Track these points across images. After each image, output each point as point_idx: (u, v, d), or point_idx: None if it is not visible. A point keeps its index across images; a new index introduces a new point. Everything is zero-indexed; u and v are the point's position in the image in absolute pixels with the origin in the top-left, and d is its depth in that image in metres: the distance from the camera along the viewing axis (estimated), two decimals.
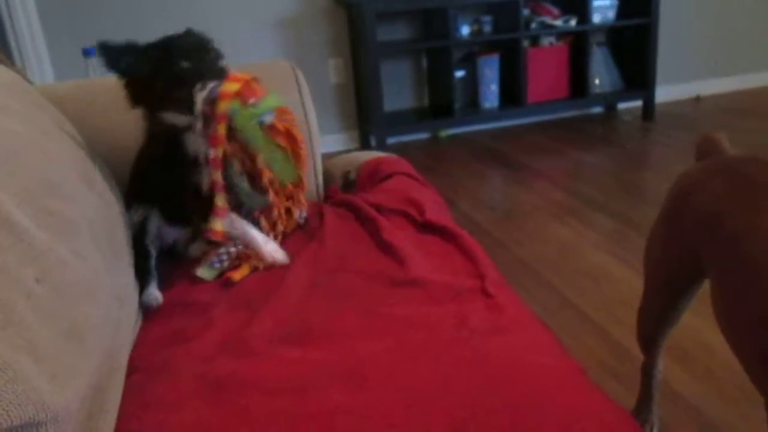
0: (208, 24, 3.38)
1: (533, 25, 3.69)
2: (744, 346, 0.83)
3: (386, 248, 1.15)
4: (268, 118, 1.11)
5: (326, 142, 3.63)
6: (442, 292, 0.99)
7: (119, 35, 3.26)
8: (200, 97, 1.06)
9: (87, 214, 0.98)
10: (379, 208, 1.28)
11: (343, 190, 1.53)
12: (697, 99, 4.31)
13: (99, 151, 1.26)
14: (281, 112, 1.14)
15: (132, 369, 0.92)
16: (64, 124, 1.21)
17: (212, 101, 1.06)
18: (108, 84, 1.53)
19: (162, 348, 0.97)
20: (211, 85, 1.06)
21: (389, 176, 1.45)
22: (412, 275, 1.04)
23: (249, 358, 0.90)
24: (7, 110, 1.00)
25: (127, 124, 1.41)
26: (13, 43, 2.89)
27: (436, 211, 1.29)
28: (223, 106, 1.05)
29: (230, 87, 1.05)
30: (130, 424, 0.79)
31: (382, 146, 3.41)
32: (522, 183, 3.03)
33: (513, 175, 3.16)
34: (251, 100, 1.06)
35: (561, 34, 3.83)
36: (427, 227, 1.23)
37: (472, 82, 3.77)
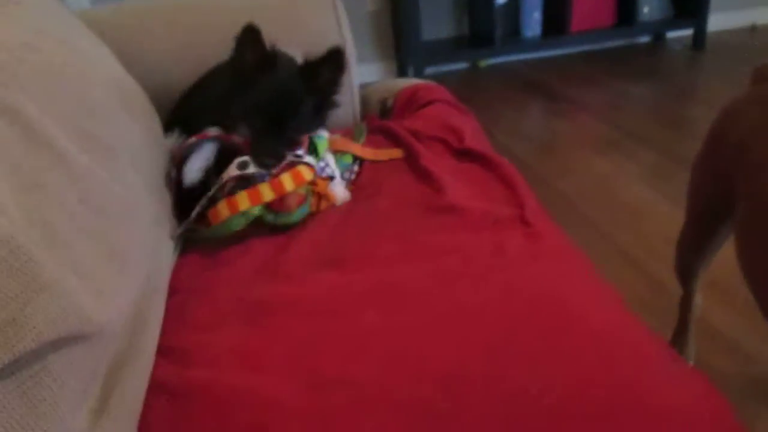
0: None
1: None
2: (763, 285, 0.82)
3: (423, 175, 1.13)
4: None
5: (362, 71, 3.55)
6: (479, 219, 0.98)
7: None
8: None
9: (125, 139, 0.99)
10: (416, 135, 1.26)
11: (381, 117, 1.51)
12: (753, 28, 4.07)
13: (136, 76, 1.25)
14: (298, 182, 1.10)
15: (173, 290, 0.94)
16: (102, 48, 1.21)
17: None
18: (144, 9, 1.51)
19: (201, 272, 0.98)
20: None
21: (427, 103, 1.41)
22: (449, 202, 1.03)
23: (286, 281, 0.91)
24: (46, 34, 0.99)
25: (163, 49, 1.41)
26: None
27: (475, 138, 1.27)
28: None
29: (265, 193, 1.04)
30: (172, 342, 0.82)
31: (419, 76, 3.34)
32: (562, 115, 2.95)
33: (553, 106, 3.08)
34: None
35: None
36: (466, 155, 1.21)
37: (514, 10, 3.62)
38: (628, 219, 1.97)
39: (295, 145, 1.13)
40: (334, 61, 1.11)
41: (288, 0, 1.47)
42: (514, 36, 3.65)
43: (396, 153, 1.24)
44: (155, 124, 1.18)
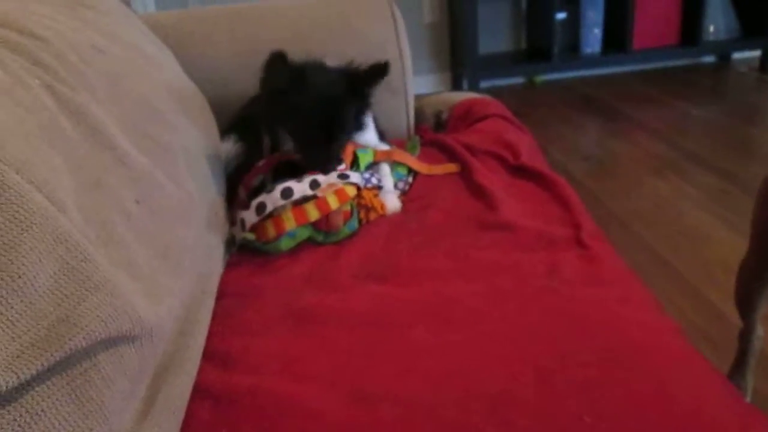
0: None
1: None
2: None
3: (477, 190, 1.11)
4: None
5: (417, 83, 3.55)
6: (533, 238, 0.95)
7: None
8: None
9: (183, 141, 1.00)
10: (471, 149, 1.24)
11: (435, 130, 1.50)
12: None
13: (196, 80, 1.28)
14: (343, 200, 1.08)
15: (221, 294, 0.94)
16: (166, 53, 1.23)
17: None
18: (206, 15, 1.54)
19: (250, 276, 0.98)
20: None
21: (483, 118, 1.40)
22: (503, 219, 1.01)
23: (334, 291, 0.90)
24: (114, 38, 1.02)
25: (224, 56, 1.43)
26: None
27: (531, 155, 1.24)
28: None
29: (311, 212, 1.03)
30: (218, 345, 0.82)
31: (474, 89, 3.31)
32: (620, 134, 2.88)
33: (611, 125, 3.01)
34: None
35: None
36: (521, 171, 1.18)
37: (574, 25, 3.56)
38: (686, 244, 1.90)
39: (342, 148, 1.13)
40: (379, 73, 1.12)
41: (346, 11, 1.48)
42: (572, 52, 3.59)
43: (451, 168, 1.23)
44: (212, 128, 1.20)
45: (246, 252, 1.06)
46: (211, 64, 1.40)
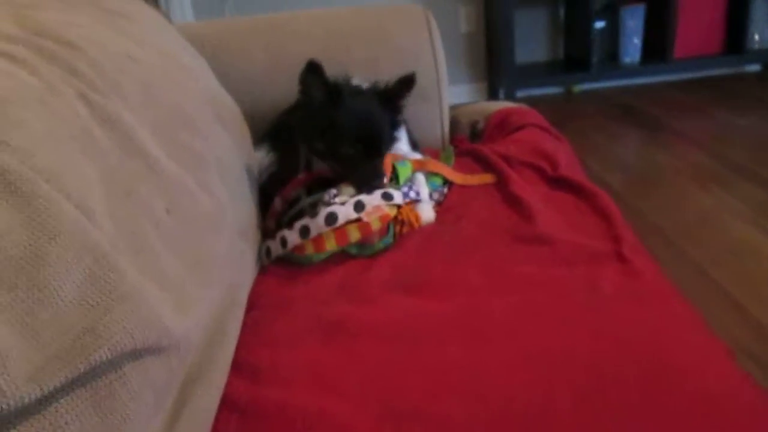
0: None
1: None
2: None
3: (513, 201, 1.08)
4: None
5: (453, 92, 3.53)
6: (572, 252, 0.92)
7: None
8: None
9: (216, 150, 1.00)
10: (507, 160, 1.21)
11: (471, 139, 1.47)
12: None
13: (231, 90, 1.27)
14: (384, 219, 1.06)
15: (251, 305, 0.93)
16: (200, 62, 1.24)
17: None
18: (242, 26, 1.55)
19: (280, 287, 0.97)
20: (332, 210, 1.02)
21: (520, 127, 1.36)
22: (540, 232, 0.97)
23: (365, 303, 0.88)
24: (149, 46, 1.02)
25: (260, 68, 1.43)
26: None
27: (570, 166, 1.21)
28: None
29: (353, 234, 1.01)
30: (246, 357, 0.80)
31: (511, 99, 3.28)
32: (661, 145, 2.81)
33: (651, 136, 2.94)
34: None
35: None
36: (559, 183, 1.15)
37: (613, 34, 3.50)
38: (730, 259, 1.83)
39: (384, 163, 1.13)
40: (407, 85, 1.12)
41: (382, 21, 1.47)
42: (611, 61, 3.53)
43: (487, 178, 1.20)
44: (246, 137, 1.19)
45: (277, 261, 1.05)
46: (246, 75, 1.40)
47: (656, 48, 3.45)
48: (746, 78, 3.69)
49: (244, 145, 1.14)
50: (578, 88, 3.69)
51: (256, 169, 1.20)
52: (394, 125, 1.17)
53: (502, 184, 1.15)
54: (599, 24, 3.46)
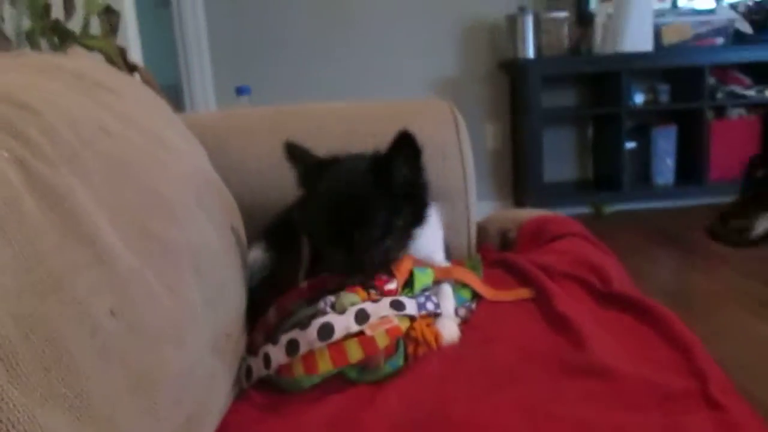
0: (369, 79, 3.35)
1: (719, 95, 3.30)
2: None
3: (558, 322, 0.86)
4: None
5: (478, 208, 3.42)
6: (641, 391, 0.69)
7: (281, 79, 3.29)
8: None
9: (194, 240, 0.82)
10: (547, 271, 1.00)
11: (501, 250, 1.28)
12: None
13: (231, 182, 1.12)
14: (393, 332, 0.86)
15: None
16: (192, 145, 1.09)
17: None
18: (250, 116, 1.42)
19: (259, 420, 0.75)
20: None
21: (559, 237, 1.18)
22: (595, 362, 0.75)
23: None
24: (128, 122, 0.88)
25: (265, 162, 1.28)
26: (184, 75, 3.11)
27: (622, 282, 1.00)
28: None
29: (353, 353, 0.81)
30: None
31: None
32: (703, 269, 2.60)
33: (690, 258, 2.73)
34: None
35: (752, 106, 3.39)
36: (613, 301, 0.93)
37: (644, 155, 3.41)
38: None
39: (388, 255, 0.93)
40: (405, 146, 0.91)
41: (404, 111, 1.34)
42: (643, 182, 3.41)
43: (523, 293, 0.99)
44: (237, 229, 1.02)
45: (259, 384, 0.84)
46: (245, 166, 1.25)
47: (690, 169, 3.34)
48: None
49: (231, 237, 0.96)
50: (608, 208, 3.54)
51: (248, 270, 1.02)
52: (396, 207, 0.93)
53: (542, 300, 0.93)
54: (630, 144, 3.38)
